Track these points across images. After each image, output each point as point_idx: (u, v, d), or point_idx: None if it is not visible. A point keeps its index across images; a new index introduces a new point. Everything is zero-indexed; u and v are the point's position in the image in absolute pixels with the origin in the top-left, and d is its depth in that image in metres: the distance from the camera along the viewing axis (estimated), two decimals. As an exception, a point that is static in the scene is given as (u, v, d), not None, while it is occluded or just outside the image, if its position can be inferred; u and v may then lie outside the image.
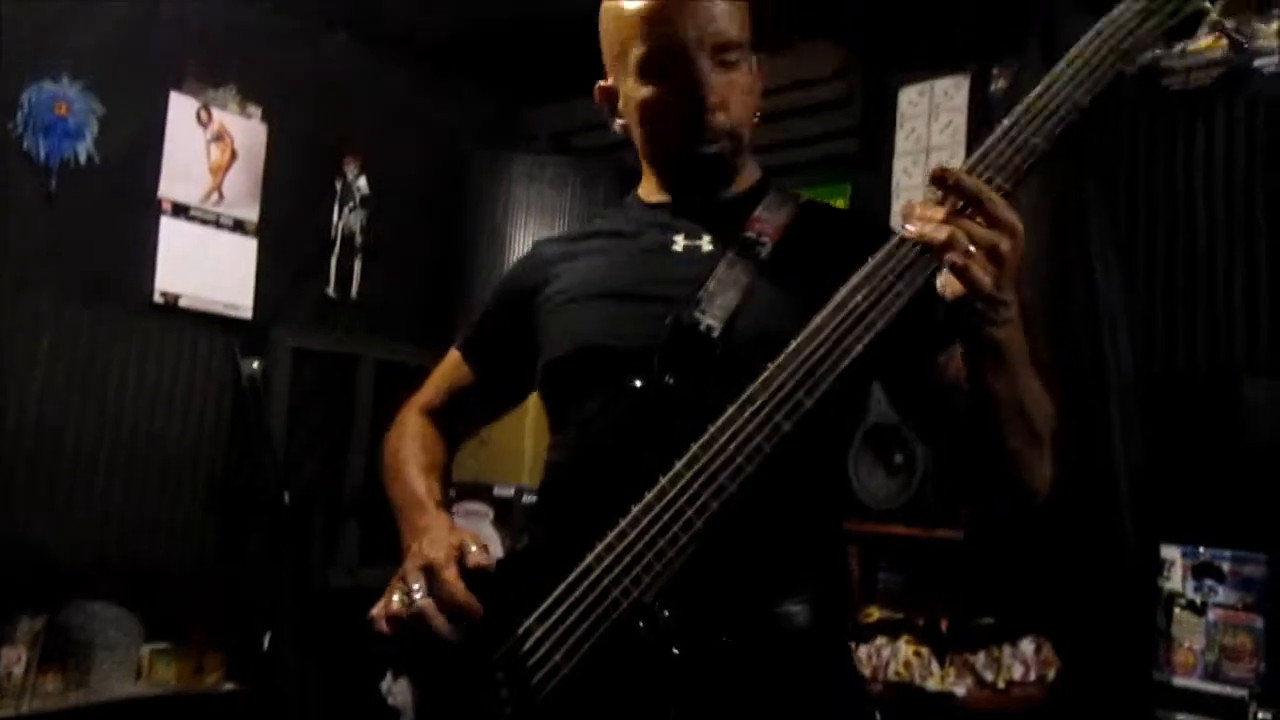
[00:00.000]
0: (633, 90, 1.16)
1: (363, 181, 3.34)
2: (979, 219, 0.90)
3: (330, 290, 3.25)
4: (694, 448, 0.97)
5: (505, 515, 3.40)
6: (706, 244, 1.18)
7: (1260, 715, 2.05)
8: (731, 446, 0.96)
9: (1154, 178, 2.56)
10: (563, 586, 1.00)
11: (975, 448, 1.07)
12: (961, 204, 0.91)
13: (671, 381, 1.07)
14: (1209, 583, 2.19)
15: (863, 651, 2.25)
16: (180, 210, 2.87)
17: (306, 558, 3.13)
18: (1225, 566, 2.18)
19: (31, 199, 2.56)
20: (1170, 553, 2.25)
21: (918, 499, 2.47)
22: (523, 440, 3.22)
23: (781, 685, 1.04)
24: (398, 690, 1.12)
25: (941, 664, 2.15)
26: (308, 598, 3.10)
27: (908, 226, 0.92)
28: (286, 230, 3.13)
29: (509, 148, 3.55)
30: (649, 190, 1.27)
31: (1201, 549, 2.21)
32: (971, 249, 0.88)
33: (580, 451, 1.17)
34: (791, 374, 0.96)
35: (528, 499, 3.37)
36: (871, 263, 0.96)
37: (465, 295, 3.50)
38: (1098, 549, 2.33)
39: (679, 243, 1.19)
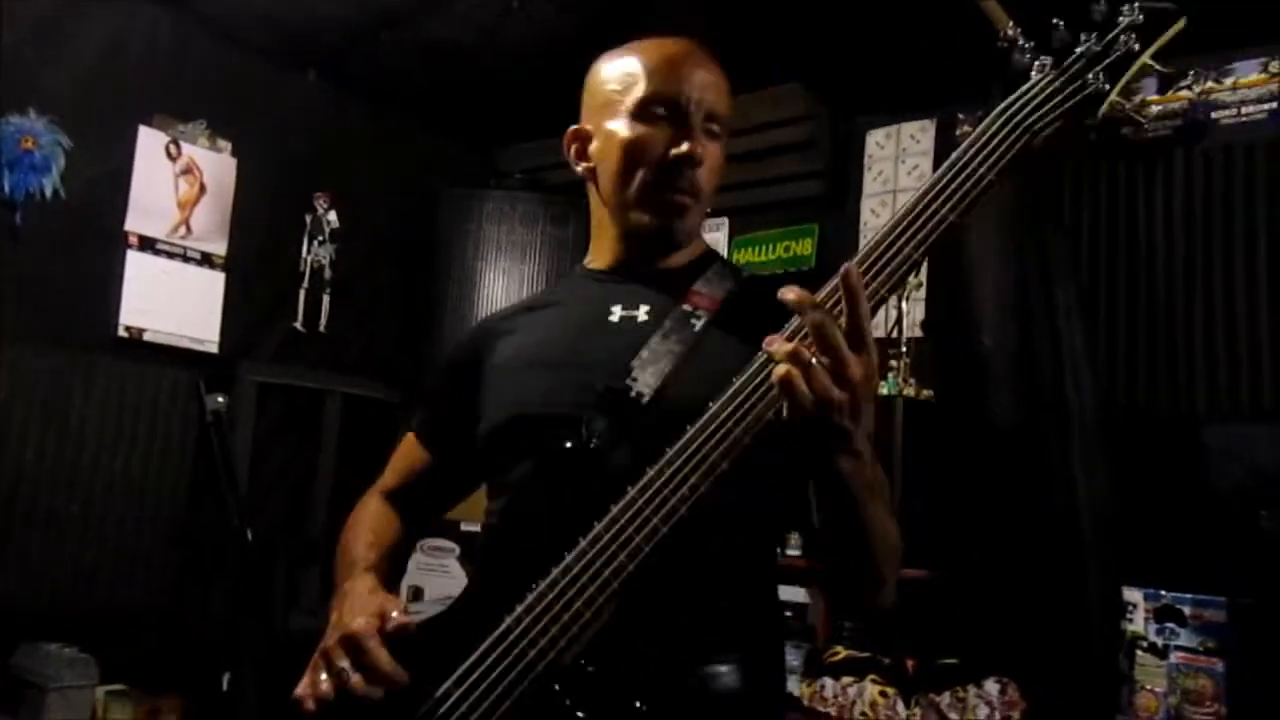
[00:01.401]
0: (620, 129, 1.18)
1: (333, 215, 3.33)
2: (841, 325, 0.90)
3: (299, 324, 3.23)
4: (613, 510, 0.98)
5: (471, 551, 3.38)
6: (643, 314, 1.19)
7: (1222, 760, 2.06)
8: (648, 509, 0.97)
9: (1114, 225, 2.61)
10: (481, 649, 1.00)
11: (827, 565, 1.10)
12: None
13: (598, 445, 1.08)
14: (1170, 626, 2.21)
15: (829, 690, 2.25)
16: (147, 244, 2.85)
17: (268, 598, 3.08)
18: (1186, 610, 2.20)
19: (-5, 232, 2.54)
20: (1133, 595, 2.27)
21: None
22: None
23: None
24: None
25: (908, 704, 2.14)
26: (268, 639, 3.05)
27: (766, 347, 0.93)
28: (255, 264, 3.11)
29: (479, 185, 3.56)
30: (595, 256, 1.29)
31: (1163, 592, 2.24)
32: (814, 371, 0.88)
33: (510, 514, 1.17)
34: (709, 437, 0.97)
35: (495, 536, 3.36)
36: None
37: (434, 331, 3.50)
38: (1062, 590, 2.35)
39: (616, 313, 1.21)
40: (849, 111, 3.28)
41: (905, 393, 2.72)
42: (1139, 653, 2.23)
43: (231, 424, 2.97)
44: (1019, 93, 1.02)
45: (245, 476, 3.06)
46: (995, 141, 1.00)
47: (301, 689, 1.07)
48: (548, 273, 3.48)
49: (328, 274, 3.30)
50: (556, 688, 0.98)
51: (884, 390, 2.75)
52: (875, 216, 3.22)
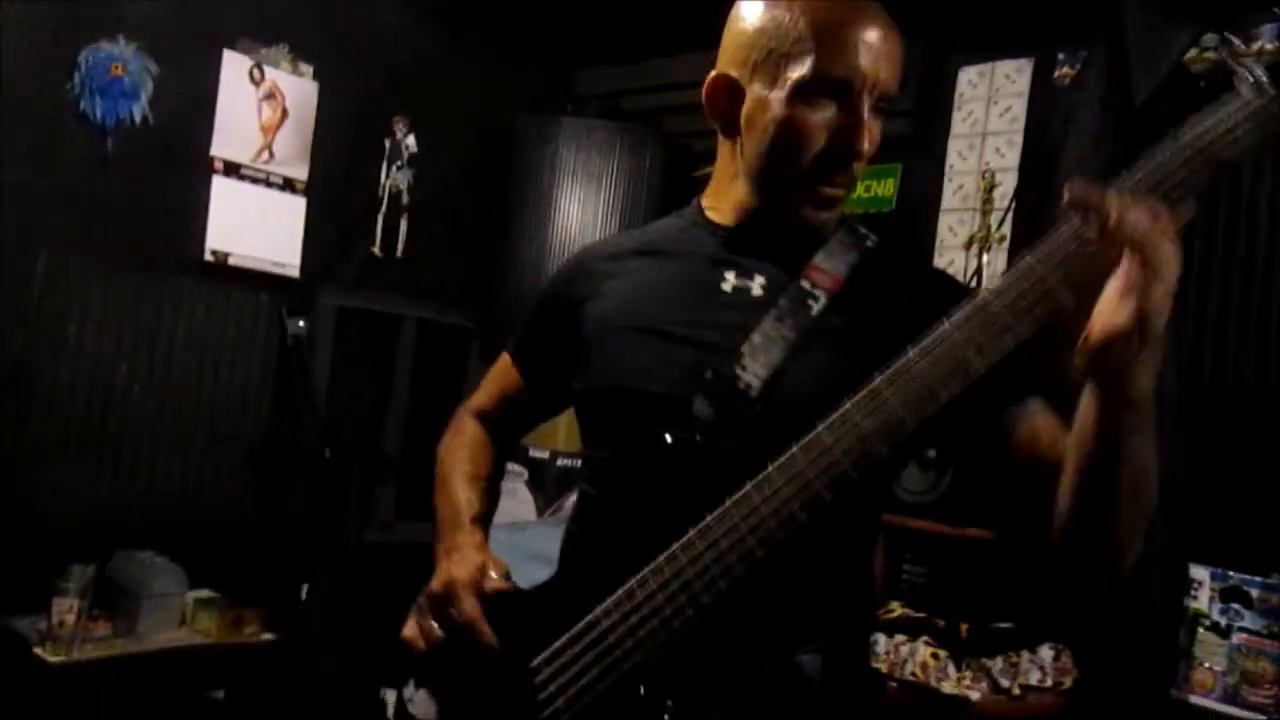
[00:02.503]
0: (779, 104, 1.07)
1: (411, 140, 3.34)
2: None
3: (376, 249, 3.28)
4: (709, 518, 0.96)
5: (539, 477, 3.47)
6: (758, 288, 1.12)
7: (1275, 743, 2.06)
8: (745, 527, 0.95)
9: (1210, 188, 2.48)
10: (572, 633, 1.03)
11: (1076, 516, 0.95)
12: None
13: (701, 440, 1.05)
14: (1235, 607, 2.19)
15: (882, 646, 2.28)
16: (231, 169, 2.90)
17: (344, 513, 3.21)
18: (1254, 593, 2.17)
19: (87, 160, 2.60)
20: (1199, 573, 2.24)
21: (949, 495, 2.48)
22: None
23: None
24: (419, 699, 1.18)
25: (959, 668, 2.17)
26: (344, 552, 3.20)
27: (1076, 191, 0.83)
28: (335, 189, 3.14)
29: (557, 111, 3.52)
30: (716, 204, 1.21)
31: (1231, 573, 2.20)
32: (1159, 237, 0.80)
33: (607, 496, 1.17)
34: (819, 458, 0.93)
35: (562, 463, 3.44)
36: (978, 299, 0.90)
37: (509, 258, 3.52)
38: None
39: (729, 280, 1.14)
40: (941, 47, 3.13)
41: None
42: (1200, 630, 2.22)
43: (311, 346, 3.08)
44: (1217, 117, 0.87)
45: (323, 397, 3.16)
46: (1173, 174, 0.86)
47: (409, 630, 1.16)
48: (623, 203, 3.45)
49: (405, 199, 3.33)
50: (641, 689, 1.00)
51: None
52: (962, 160, 3.10)
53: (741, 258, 1.15)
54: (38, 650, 2.30)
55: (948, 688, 2.14)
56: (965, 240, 2.90)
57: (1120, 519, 0.92)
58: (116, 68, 2.60)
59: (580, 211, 3.48)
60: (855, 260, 1.13)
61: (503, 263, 3.53)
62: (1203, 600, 2.23)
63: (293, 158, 3.04)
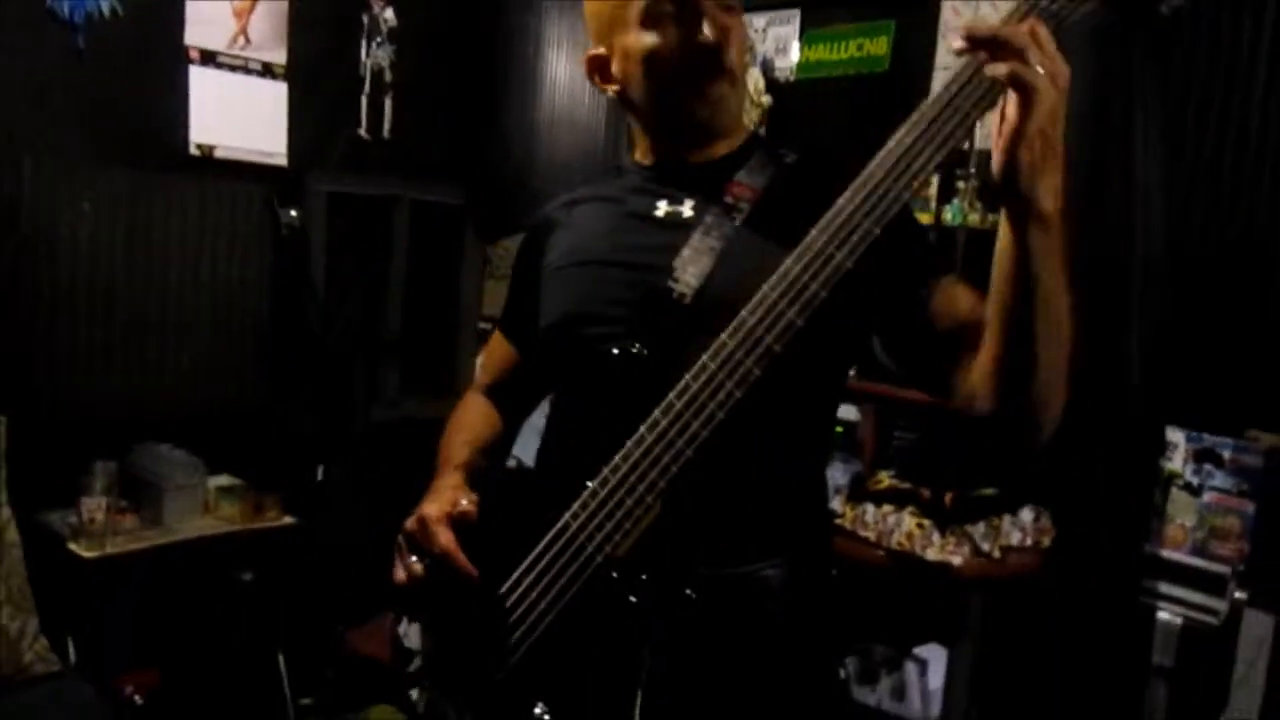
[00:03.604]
0: (634, 44, 1.17)
1: (390, 14, 3.25)
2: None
3: (362, 131, 3.24)
4: (655, 413, 1.04)
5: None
6: (687, 209, 1.21)
7: (1237, 594, 2.19)
8: (689, 412, 1.02)
9: (1216, 53, 2.42)
10: (543, 543, 1.11)
11: (999, 357, 1.00)
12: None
13: (642, 349, 1.13)
14: (1208, 468, 2.28)
15: (870, 516, 2.40)
16: (208, 58, 2.84)
17: (350, 393, 3.31)
18: (1225, 454, 2.26)
19: (61, 59, 2.55)
20: (1175, 436, 2.33)
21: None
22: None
23: (746, 638, 1.13)
24: (411, 633, 1.28)
25: (942, 534, 2.29)
26: (354, 430, 3.31)
27: (966, 27, 0.90)
28: (315, 71, 3.09)
29: (538, -25, 3.40)
30: (640, 153, 1.30)
31: (1205, 436, 2.29)
32: (1038, 66, 0.86)
33: (564, 416, 1.27)
34: (762, 316, 1.00)
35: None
36: (901, 131, 0.96)
37: (499, 130, 3.48)
38: (1103, 426, 2.41)
39: (661, 208, 1.22)
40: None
41: (969, 219, 2.68)
42: (1173, 490, 2.32)
43: (305, 234, 3.09)
44: None
45: (322, 283, 3.20)
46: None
47: (395, 571, 1.22)
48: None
49: (388, 77, 3.26)
50: (614, 575, 1.07)
51: (948, 217, 2.71)
52: (957, 15, 3.01)
53: (671, 189, 1.23)
54: (71, 546, 2.43)
55: (931, 554, 2.26)
56: (958, 103, 2.85)
57: (1038, 347, 0.96)
58: (80, -40, 2.51)
59: (568, 79, 3.42)
60: (774, 173, 1.22)
61: (492, 136, 3.50)
62: (1177, 462, 2.33)
63: (269, 42, 2.96)
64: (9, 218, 2.53)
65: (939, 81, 3.03)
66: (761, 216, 1.17)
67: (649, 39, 1.16)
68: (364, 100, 3.22)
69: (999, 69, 0.87)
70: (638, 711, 1.05)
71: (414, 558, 1.19)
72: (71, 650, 2.40)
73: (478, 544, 1.16)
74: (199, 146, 2.84)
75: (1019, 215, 0.92)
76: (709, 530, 1.11)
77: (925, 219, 2.74)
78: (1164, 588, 2.31)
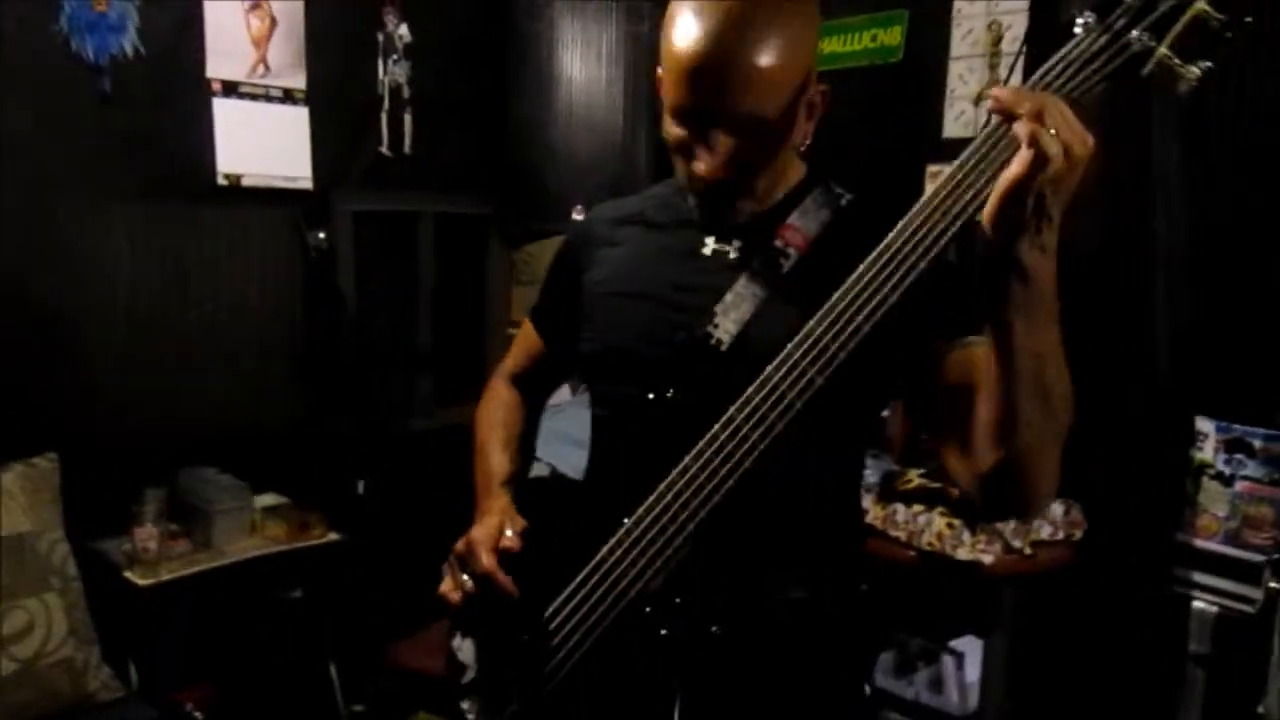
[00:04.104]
0: (666, 120, 1.19)
1: (404, 30, 3.27)
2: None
3: (384, 148, 3.28)
4: (687, 459, 1.09)
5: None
6: (734, 251, 1.23)
7: (1272, 582, 2.20)
8: (717, 459, 1.07)
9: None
10: (581, 576, 1.17)
11: (980, 435, 1.03)
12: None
13: (678, 395, 1.17)
14: (1239, 457, 2.28)
15: (900, 515, 2.42)
16: (230, 88, 2.89)
17: (386, 406, 3.38)
18: (1256, 443, 2.26)
19: (87, 101, 2.61)
20: (1205, 426, 2.33)
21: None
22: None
23: (773, 662, 1.19)
24: (464, 648, 1.35)
25: (973, 533, 2.31)
26: (391, 442, 3.38)
27: (994, 93, 0.93)
28: (334, 92, 3.12)
29: (549, -19, 3.41)
30: None
31: (1235, 425, 2.29)
32: (1053, 131, 0.89)
33: (605, 453, 1.32)
34: (786, 373, 1.04)
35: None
36: (917, 206, 1.00)
37: (517, 137, 3.51)
38: (1133, 418, 2.42)
39: (708, 245, 1.24)
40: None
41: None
42: (1205, 479, 2.33)
43: (333, 254, 3.15)
44: (1056, 58, 0.97)
45: (352, 300, 3.26)
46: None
47: (444, 586, 1.31)
48: (624, 70, 3.38)
49: (406, 92, 3.29)
50: (647, 609, 1.14)
51: (968, 210, 2.71)
52: (970, 3, 2.99)
53: (720, 223, 1.25)
54: (127, 574, 2.52)
55: (962, 554, 2.28)
56: (975, 94, 2.85)
57: (1021, 410, 0.98)
58: (100, 3, 2.56)
59: (583, 81, 3.43)
60: (828, 218, 1.23)
61: (510, 142, 3.52)
62: (1208, 451, 2.33)
63: (288, 67, 3.01)
64: (50, 259, 2.61)
65: (954, 70, 3.02)
66: (809, 266, 1.19)
67: (672, 130, 1.17)
68: (384, 117, 3.26)
69: (1020, 128, 0.90)
70: None
71: (463, 577, 1.26)
72: (133, 674, 2.49)
73: (523, 568, 1.23)
74: (226, 176, 2.90)
75: (1002, 268, 0.95)
76: (738, 562, 1.16)
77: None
78: (1198, 577, 2.32)
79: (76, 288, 2.67)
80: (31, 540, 2.29)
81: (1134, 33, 0.94)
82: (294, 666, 2.86)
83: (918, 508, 2.40)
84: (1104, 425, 2.43)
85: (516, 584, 1.23)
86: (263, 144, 2.97)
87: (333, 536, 2.88)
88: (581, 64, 3.42)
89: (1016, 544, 2.32)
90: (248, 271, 3.00)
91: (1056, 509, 2.40)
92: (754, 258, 1.20)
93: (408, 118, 3.31)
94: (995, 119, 0.96)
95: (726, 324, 1.17)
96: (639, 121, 3.41)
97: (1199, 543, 2.33)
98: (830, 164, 1.31)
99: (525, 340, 1.52)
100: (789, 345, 1.05)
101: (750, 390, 1.06)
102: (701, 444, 1.08)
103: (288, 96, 3.02)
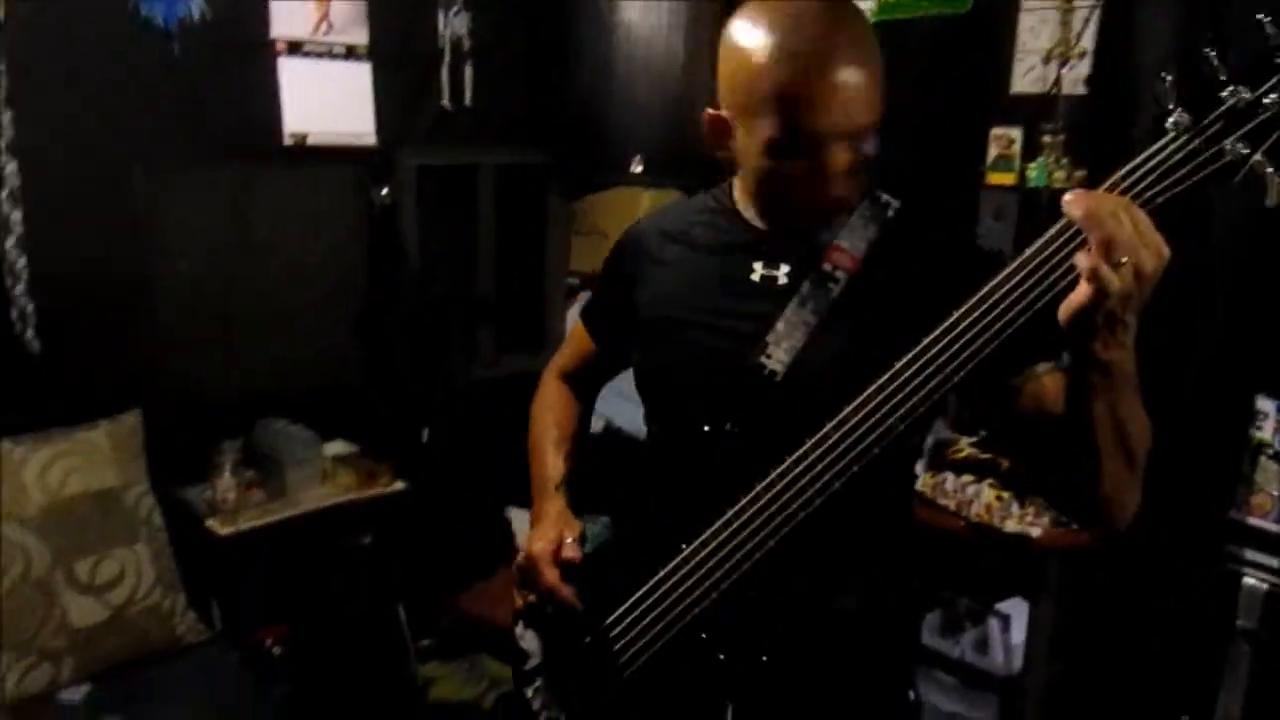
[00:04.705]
0: (755, 153, 1.14)
1: (464, -20, 3.26)
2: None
3: (445, 102, 3.30)
4: (758, 488, 1.11)
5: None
6: (783, 276, 1.22)
7: (1323, 563, 2.20)
8: (788, 493, 1.09)
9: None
10: (639, 594, 1.22)
11: (1062, 472, 1.08)
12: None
13: (733, 427, 1.19)
14: (1298, 437, 2.26)
15: (949, 485, 2.45)
16: (295, 48, 2.92)
17: (449, 356, 3.47)
18: (1317, 425, 2.23)
19: (158, 64, 2.67)
20: (1265, 405, 2.30)
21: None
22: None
23: (821, 682, 1.23)
24: (527, 637, 1.43)
25: (1021, 505, 2.33)
26: (455, 391, 3.48)
27: (1067, 204, 0.91)
28: (396, 48, 3.14)
29: (609, -71, 3.36)
30: (742, 195, 1.29)
31: (1296, 406, 2.26)
32: (1123, 259, 0.87)
33: (660, 477, 1.35)
34: (854, 427, 1.05)
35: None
36: (993, 282, 0.98)
37: (576, 85, 3.50)
38: (1189, 397, 2.39)
39: (758, 271, 1.24)
40: None
41: (1055, 179, 2.61)
42: (1262, 459, 2.31)
43: (396, 209, 3.21)
44: (1141, 160, 0.92)
45: (416, 253, 3.33)
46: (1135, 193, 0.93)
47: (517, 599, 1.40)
48: (684, 13, 3.33)
49: (466, 45, 3.29)
50: (703, 635, 1.19)
51: (1032, 176, 2.65)
52: (1043, -49, 2.87)
53: (769, 247, 1.25)
54: (209, 524, 2.67)
55: (1010, 526, 2.31)
56: (1045, 52, 2.75)
57: (1105, 469, 1.01)
58: (167, -31, 2.61)
59: (643, 31, 3.40)
60: (875, 235, 1.22)
61: (570, 92, 3.52)
62: (1267, 431, 2.31)
63: (350, 24, 3.03)
64: (124, 224, 2.71)
65: (1024, 23, 2.92)
66: (859, 287, 1.18)
67: (773, 164, 1.13)
68: (445, 71, 3.27)
69: (1082, 261, 0.88)
70: None
71: (526, 587, 1.35)
72: (217, 617, 2.66)
73: (584, 578, 1.30)
74: (293, 135, 2.96)
75: (1079, 359, 0.95)
76: (791, 581, 1.18)
77: (1009, 179, 2.70)
78: (1250, 554, 2.32)
79: (151, 251, 2.77)
80: (119, 494, 2.44)
81: (1228, 141, 0.89)
82: (365, 608, 3.02)
83: (967, 478, 2.42)
84: (1162, 402, 2.41)
85: (578, 593, 1.30)
86: (327, 102, 3.01)
87: (399, 485, 3.00)
88: (641, 14, 3.39)
89: (1065, 517, 2.33)
90: (315, 229, 3.08)
91: (1108, 482, 2.40)
92: (803, 282, 1.20)
93: (468, 70, 3.31)
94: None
95: (779, 354, 1.17)
96: (699, 72, 3.37)
97: (1252, 520, 2.33)
98: (885, 129, 1.20)
99: (577, 339, 1.55)
100: (870, 389, 1.04)
101: (828, 428, 1.06)
102: (774, 475, 1.09)
103: (350, 53, 3.05)
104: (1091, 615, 2.60)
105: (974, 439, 2.53)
